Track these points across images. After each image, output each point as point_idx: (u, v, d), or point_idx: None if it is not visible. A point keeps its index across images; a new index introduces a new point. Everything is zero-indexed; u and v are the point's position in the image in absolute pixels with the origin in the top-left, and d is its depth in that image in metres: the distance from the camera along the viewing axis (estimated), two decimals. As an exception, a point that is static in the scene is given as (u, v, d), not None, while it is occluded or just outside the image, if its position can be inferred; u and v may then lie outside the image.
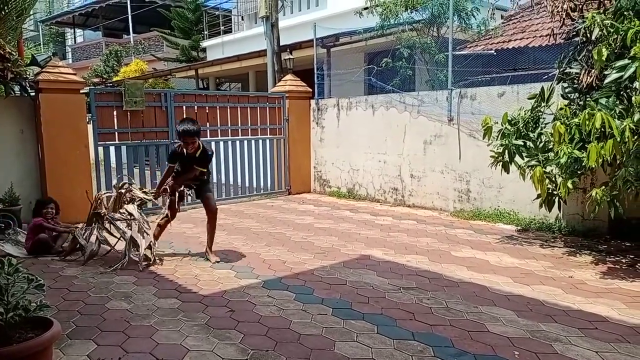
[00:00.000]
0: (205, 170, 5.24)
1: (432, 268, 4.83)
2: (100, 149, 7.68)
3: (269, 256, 5.38)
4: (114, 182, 6.38)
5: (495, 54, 9.88)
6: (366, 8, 10.45)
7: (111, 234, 5.36)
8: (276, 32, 11.63)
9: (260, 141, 9.42)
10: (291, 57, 11.26)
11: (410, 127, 8.29)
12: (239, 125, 9.10)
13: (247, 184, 9.28)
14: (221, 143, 8.89)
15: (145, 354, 3.12)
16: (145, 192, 5.53)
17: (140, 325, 3.56)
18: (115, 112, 7.65)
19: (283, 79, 10.35)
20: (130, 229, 5.17)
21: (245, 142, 9.21)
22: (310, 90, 10.12)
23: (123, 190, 5.41)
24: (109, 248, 5.35)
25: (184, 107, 8.32)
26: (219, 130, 8.84)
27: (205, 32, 22.25)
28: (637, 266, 4.82)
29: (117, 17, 26.66)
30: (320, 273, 4.74)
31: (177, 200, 5.30)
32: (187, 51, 22.16)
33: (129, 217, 5.22)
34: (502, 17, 11.57)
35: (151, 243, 5.18)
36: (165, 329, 3.48)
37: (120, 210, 5.30)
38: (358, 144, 9.20)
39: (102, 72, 23.77)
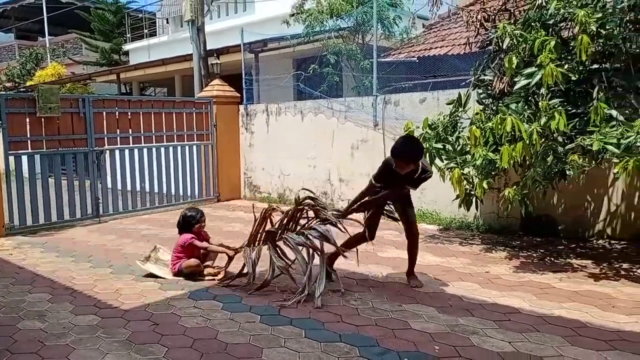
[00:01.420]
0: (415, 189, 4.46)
1: (359, 269, 4.92)
2: (12, 158, 7.17)
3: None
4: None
5: (417, 61, 10.28)
6: (293, 15, 10.54)
7: (281, 258, 4.43)
8: (202, 36, 11.44)
9: (187, 147, 9.19)
10: (218, 61, 11.11)
11: (338, 132, 8.43)
12: (164, 131, 8.83)
13: (173, 192, 9.01)
14: (145, 150, 8.59)
15: (59, 374, 2.94)
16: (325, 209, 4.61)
17: (55, 345, 3.35)
18: (27, 119, 7.18)
19: (210, 83, 10.18)
20: (311, 257, 4.29)
21: (171, 148, 8.95)
22: (239, 95, 10.03)
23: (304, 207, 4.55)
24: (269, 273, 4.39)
25: (104, 113, 7.96)
26: (142, 137, 8.53)
27: (128, 35, 21.44)
28: (546, 260, 5.17)
29: (32, 19, 25.07)
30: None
31: (376, 219, 4.53)
32: (108, 54, 21.27)
33: (309, 241, 4.29)
34: (423, 25, 12.06)
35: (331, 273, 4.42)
36: (82, 348, 3.29)
37: (305, 231, 4.37)
38: (288, 149, 9.21)
39: (17, 76, 22.23)
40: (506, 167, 4.76)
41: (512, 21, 5.34)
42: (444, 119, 5.77)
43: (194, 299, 4.20)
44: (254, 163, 9.85)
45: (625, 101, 4.60)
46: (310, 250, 4.29)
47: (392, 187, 4.30)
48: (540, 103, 4.51)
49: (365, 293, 4.26)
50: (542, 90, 4.59)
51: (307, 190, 4.90)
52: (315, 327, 3.55)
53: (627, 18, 4.85)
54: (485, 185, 5.15)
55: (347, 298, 4.14)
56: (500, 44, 5.16)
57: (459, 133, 5.68)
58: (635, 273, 4.64)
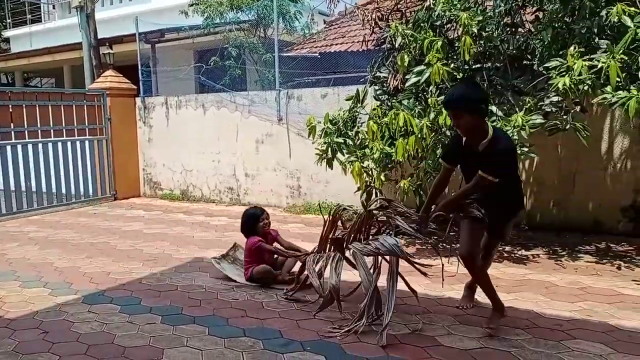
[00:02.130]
0: (501, 181, 3.11)
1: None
2: None
3: (90, 269, 4.96)
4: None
5: (319, 56, 10.47)
6: (191, 5, 10.24)
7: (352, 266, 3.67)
8: (93, 24, 10.75)
9: (79, 143, 8.61)
10: (111, 51, 10.49)
11: (243, 127, 8.36)
12: (52, 125, 8.19)
13: (64, 191, 8.40)
14: (30, 146, 7.91)
15: None
16: (407, 216, 3.61)
17: None
18: None
19: (103, 74, 9.59)
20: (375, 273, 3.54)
21: (60, 144, 8.32)
22: (135, 87, 9.56)
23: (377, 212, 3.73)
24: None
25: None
26: (26, 132, 7.85)
27: (8, 21, 19.51)
28: (439, 246, 5.54)
29: None
30: (149, 281, 4.53)
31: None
32: (-16, 41, 19.19)
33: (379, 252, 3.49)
34: (324, 22, 12.30)
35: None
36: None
37: (372, 242, 3.52)
38: (190, 143, 8.96)
39: None
40: (401, 159, 5.04)
41: (403, 21, 5.62)
42: (343, 114, 5.94)
43: (88, 304, 3.98)
44: (154, 158, 9.47)
45: (503, 98, 5.05)
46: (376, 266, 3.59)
47: (465, 171, 3.35)
48: (429, 100, 4.82)
49: (272, 287, 4.30)
50: (431, 88, 4.90)
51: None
52: (219, 323, 3.53)
53: (504, 21, 5.33)
54: (382, 177, 5.41)
55: (252, 292, 4.15)
56: (394, 43, 5.42)
57: (358, 128, 5.88)
58: (516, 255, 5.13)
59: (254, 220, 4.50)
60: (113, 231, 6.64)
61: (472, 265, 3.27)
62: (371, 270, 3.60)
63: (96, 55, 10.79)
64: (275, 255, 4.47)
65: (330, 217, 3.95)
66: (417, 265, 3.57)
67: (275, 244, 4.55)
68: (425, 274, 3.61)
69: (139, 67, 9.58)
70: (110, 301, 4.02)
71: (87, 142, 8.74)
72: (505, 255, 5.13)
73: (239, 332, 3.37)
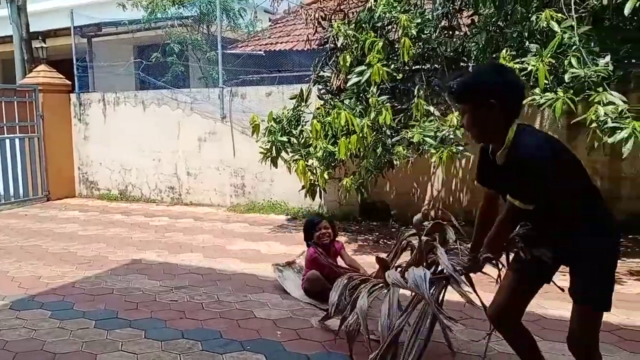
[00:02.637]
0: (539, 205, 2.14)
1: (206, 264, 4.87)
2: None
3: (19, 273, 4.70)
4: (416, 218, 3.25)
5: (264, 54, 10.40)
6: (130, -1, 9.91)
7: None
8: (24, 17, 10.17)
9: (8, 141, 8.14)
10: (44, 45, 9.96)
11: (185, 124, 8.17)
12: (-23, 122, 7.69)
13: (-8, 192, 7.92)
14: (-48, 144, 7.40)
15: None
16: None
17: None
18: None
19: (35, 69, 9.12)
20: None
21: (-13, 142, 7.84)
22: (70, 83, 9.14)
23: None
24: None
25: None
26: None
27: None
28: (380, 242, 5.66)
29: None
30: (82, 285, 4.34)
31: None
32: None
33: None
34: (269, 20, 12.22)
35: None
36: None
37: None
38: (129, 141, 8.66)
39: None
40: (343, 158, 5.10)
41: (346, 21, 5.68)
42: (288, 113, 5.94)
43: (16, 310, 3.77)
44: (90, 157, 9.08)
45: (441, 98, 5.22)
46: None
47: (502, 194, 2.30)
48: (370, 99, 4.90)
49: (210, 287, 4.23)
50: (372, 88, 4.98)
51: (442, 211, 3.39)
52: (156, 326, 3.43)
53: (442, 24, 5.51)
54: (326, 175, 5.45)
55: (191, 294, 4.07)
56: (336, 43, 5.48)
57: (302, 127, 5.89)
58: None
59: (309, 228, 4.04)
60: (45, 233, 6.32)
61: (501, 331, 2.49)
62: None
63: (28, 49, 10.21)
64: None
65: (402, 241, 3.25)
66: (445, 321, 2.62)
67: (338, 259, 4.06)
68: (450, 348, 2.77)
69: (74, 62, 9.16)
70: (41, 306, 3.83)
71: (17, 140, 8.27)
72: (444, 250, 5.29)
73: (177, 334, 3.29)
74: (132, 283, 4.35)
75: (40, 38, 10.45)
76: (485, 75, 2.29)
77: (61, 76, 9.02)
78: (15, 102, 8.27)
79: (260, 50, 10.71)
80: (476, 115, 2.18)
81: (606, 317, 3.41)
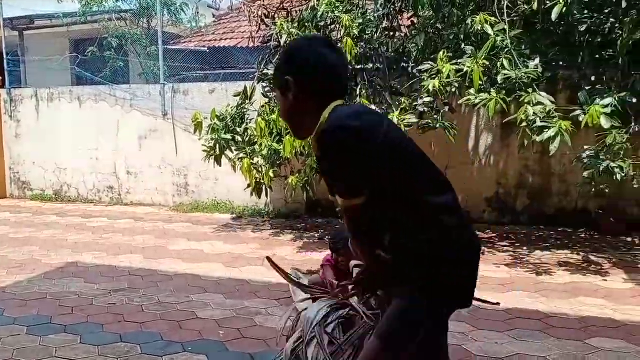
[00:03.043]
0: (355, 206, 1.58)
1: (147, 265, 4.75)
2: None
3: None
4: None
5: (208, 51, 10.23)
6: (66, -10, 9.48)
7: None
8: (-53, 6, 9.46)
9: None
10: (-30, 37, 9.33)
11: (124, 122, 7.91)
12: None
13: None
14: None
15: None
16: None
17: None
18: None
19: (-40, 63, 8.53)
20: None
21: None
22: (0, 77, 8.62)
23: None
24: None
25: None
26: None
27: None
28: (324, 239, 5.70)
29: None
30: (14, 290, 4.12)
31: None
32: None
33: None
34: (213, 15, 12.04)
35: None
36: None
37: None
38: (65, 139, 8.27)
39: None
40: (289, 156, 5.11)
41: (289, 19, 5.69)
42: (232, 110, 5.88)
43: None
44: (22, 156, 8.61)
45: (382, 98, 5.33)
46: None
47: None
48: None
49: (150, 288, 4.12)
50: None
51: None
52: (93, 331, 3.31)
53: (384, 25, 5.62)
54: (271, 173, 5.45)
55: (131, 296, 3.95)
56: (280, 41, 5.47)
57: (247, 124, 5.85)
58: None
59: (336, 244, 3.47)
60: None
61: None
62: None
63: (-50, 40, 9.53)
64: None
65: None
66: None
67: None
68: None
69: (4, 56, 8.65)
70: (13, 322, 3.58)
71: (-62, 138, 7.71)
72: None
73: (116, 338, 3.19)
74: (67, 287, 4.18)
75: (-35, 29, 9.79)
76: (287, 52, 1.79)
77: (-11, 70, 8.49)
78: (-64, 97, 7.71)
79: (203, 46, 10.53)
80: (283, 101, 1.68)
81: (535, 306, 3.65)
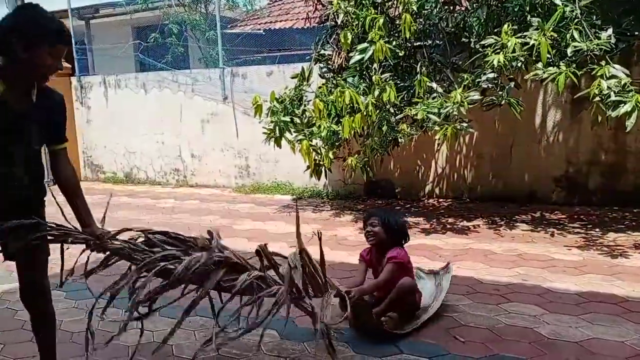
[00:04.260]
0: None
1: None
2: None
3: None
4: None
5: (263, 33, 10.34)
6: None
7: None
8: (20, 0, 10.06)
9: (11, 126, 8.14)
10: (43, 28, 9.89)
11: (187, 106, 8.17)
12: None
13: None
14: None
15: None
16: None
17: None
18: None
19: (35, 53, 9.06)
20: None
21: (-9, 128, 7.85)
22: (70, 66, 9.10)
23: None
24: None
25: None
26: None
27: None
28: (385, 220, 5.72)
29: None
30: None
31: None
32: None
33: None
34: (268, -3, 12.10)
35: None
36: None
37: None
38: (133, 124, 8.68)
39: None
40: (348, 137, 5.13)
41: (346, -2, 5.63)
42: (290, 92, 5.93)
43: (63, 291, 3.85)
44: (94, 141, 9.12)
45: (443, 75, 5.21)
46: None
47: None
48: (373, 77, 4.90)
49: (220, 266, 4.31)
50: (375, 65, 4.98)
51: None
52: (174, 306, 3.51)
53: (443, 0, 5.46)
54: (331, 155, 5.48)
55: (202, 273, 4.14)
56: (336, 20, 5.45)
57: (305, 106, 5.90)
58: (459, 226, 5.36)
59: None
60: (52, 217, 6.39)
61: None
62: None
63: (26, 32, 10.14)
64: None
65: None
66: None
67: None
68: None
69: (73, 45, 9.10)
70: (55, 287, 3.88)
71: (20, 125, 8.28)
72: (448, 226, 5.36)
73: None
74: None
75: (38, 21, 10.38)
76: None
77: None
78: (17, 87, 8.25)
79: (259, 29, 10.65)
80: None
81: (611, 289, 3.52)
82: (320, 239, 2.41)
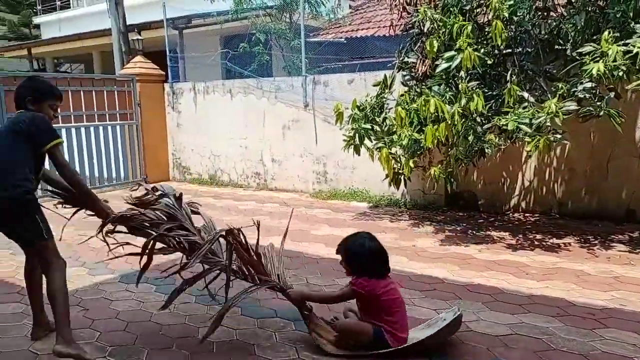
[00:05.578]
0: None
1: (294, 247, 5.02)
2: None
3: (125, 250, 5.10)
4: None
5: (345, 42, 10.42)
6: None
7: None
8: (121, 10, 10.88)
9: (110, 127, 8.80)
10: (140, 37, 10.61)
11: (269, 113, 8.41)
12: (84, 110, 8.39)
13: (96, 175, 8.63)
14: (63, 130, 8.11)
15: (-17, 367, 2.81)
16: None
17: (-25, 336, 3.18)
18: None
19: (132, 60, 9.75)
20: None
21: (92, 128, 8.53)
22: (163, 73, 9.70)
23: None
24: None
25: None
26: (59, 117, 8.05)
27: (38, 7, 19.90)
28: (468, 233, 5.54)
29: None
30: (178, 263, 4.64)
31: None
32: (16, 28, 19.68)
33: None
34: (350, 7, 12.20)
35: None
36: (8, 337, 3.16)
37: None
38: (218, 129, 9.07)
39: None
40: (430, 146, 5.02)
41: (432, 5, 5.55)
42: (371, 100, 5.93)
43: (125, 283, 4.12)
44: (183, 143, 9.62)
45: (535, 84, 4.98)
46: None
47: None
48: (460, 85, 4.77)
49: (299, 269, 4.38)
50: (462, 73, 4.85)
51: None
52: (252, 304, 3.62)
53: (536, 5, 5.22)
54: (411, 164, 5.40)
55: (281, 275, 4.22)
56: (422, 28, 5.37)
57: (386, 114, 5.86)
58: (547, 243, 5.07)
59: None
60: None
61: None
62: None
63: (125, 41, 10.94)
64: None
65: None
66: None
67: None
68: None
69: (167, 53, 9.69)
70: (146, 281, 4.13)
71: (117, 127, 8.93)
72: (536, 243, 5.08)
73: (271, 313, 3.44)
74: (225, 263, 4.59)
75: (136, 30, 11.17)
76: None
77: (156, 66, 9.59)
78: (116, 92, 8.91)
79: (341, 37, 10.75)
80: None
81: None
82: (258, 228, 3.18)
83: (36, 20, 19.63)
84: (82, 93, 8.35)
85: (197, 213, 3.35)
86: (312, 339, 3.00)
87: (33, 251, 3.00)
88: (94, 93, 8.54)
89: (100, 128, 8.64)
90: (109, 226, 3.25)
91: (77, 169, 8.33)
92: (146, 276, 4.21)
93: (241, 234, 3.02)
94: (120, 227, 3.29)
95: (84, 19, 16.62)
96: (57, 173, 3.04)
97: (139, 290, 3.93)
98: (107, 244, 3.18)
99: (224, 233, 2.97)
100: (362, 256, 2.94)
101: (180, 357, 2.92)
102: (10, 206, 2.79)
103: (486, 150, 4.94)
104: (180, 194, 3.35)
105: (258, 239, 3.13)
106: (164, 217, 3.17)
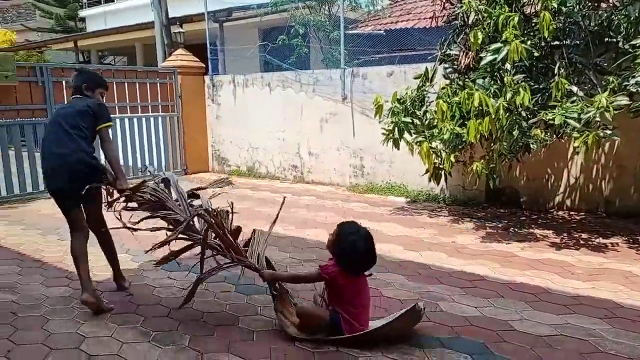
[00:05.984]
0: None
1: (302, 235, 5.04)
2: (-34, 129, 6.87)
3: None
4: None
5: (384, 34, 10.30)
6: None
7: None
8: (164, 4, 11.09)
9: (152, 119, 9.01)
10: (182, 30, 10.79)
11: (307, 106, 8.42)
12: (127, 102, 8.62)
13: (139, 165, 8.86)
14: (109, 121, 8.36)
15: (36, 344, 2.94)
16: None
17: (28, 316, 3.33)
18: (-19, 88, 6.88)
19: (174, 53, 9.94)
20: None
21: (135, 120, 8.75)
22: (204, 65, 9.84)
23: None
24: None
25: (64, 83, 7.68)
26: (105, 108, 8.31)
27: (84, 1, 20.50)
28: (509, 230, 5.41)
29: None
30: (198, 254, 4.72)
31: None
32: (63, 21, 20.33)
33: None
34: (390, -2, 12.05)
35: None
36: (57, 318, 3.29)
37: None
38: (256, 122, 9.15)
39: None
40: (473, 141, 4.91)
41: (477, -4, 5.40)
42: (411, 93, 5.83)
43: (167, 270, 4.22)
44: (222, 135, 9.76)
45: (584, 77, 4.80)
46: None
47: None
48: (506, 79, 4.64)
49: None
50: (507, 66, 4.71)
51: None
52: (246, 282, 3.73)
53: (587, -4, 5.01)
54: (452, 159, 5.28)
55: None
56: (466, 19, 5.25)
57: (427, 107, 5.77)
58: (594, 242, 4.89)
59: None
60: (184, 204, 6.94)
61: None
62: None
63: (167, 34, 11.16)
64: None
65: None
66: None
67: None
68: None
69: (207, 46, 9.82)
70: (188, 269, 4.23)
71: (159, 119, 9.13)
72: (582, 242, 4.92)
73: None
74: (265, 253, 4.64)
75: (178, 23, 11.36)
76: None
77: (196, 59, 9.74)
78: (158, 84, 9.10)
79: (380, 29, 10.64)
80: None
81: None
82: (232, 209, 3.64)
83: (82, 13, 20.23)
84: (125, 85, 8.57)
85: (197, 197, 3.86)
86: (277, 319, 3.15)
87: (93, 209, 3.62)
88: (137, 85, 8.76)
89: (143, 119, 8.86)
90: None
91: (121, 159, 8.57)
92: (188, 264, 4.33)
93: (219, 216, 3.36)
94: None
95: (128, 12, 17.04)
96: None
97: (180, 278, 4.03)
98: (121, 220, 3.50)
99: (201, 212, 3.35)
100: (350, 255, 2.99)
101: (221, 344, 2.97)
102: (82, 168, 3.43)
103: (531, 146, 4.79)
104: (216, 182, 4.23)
105: (231, 221, 3.57)
106: (152, 199, 3.60)
